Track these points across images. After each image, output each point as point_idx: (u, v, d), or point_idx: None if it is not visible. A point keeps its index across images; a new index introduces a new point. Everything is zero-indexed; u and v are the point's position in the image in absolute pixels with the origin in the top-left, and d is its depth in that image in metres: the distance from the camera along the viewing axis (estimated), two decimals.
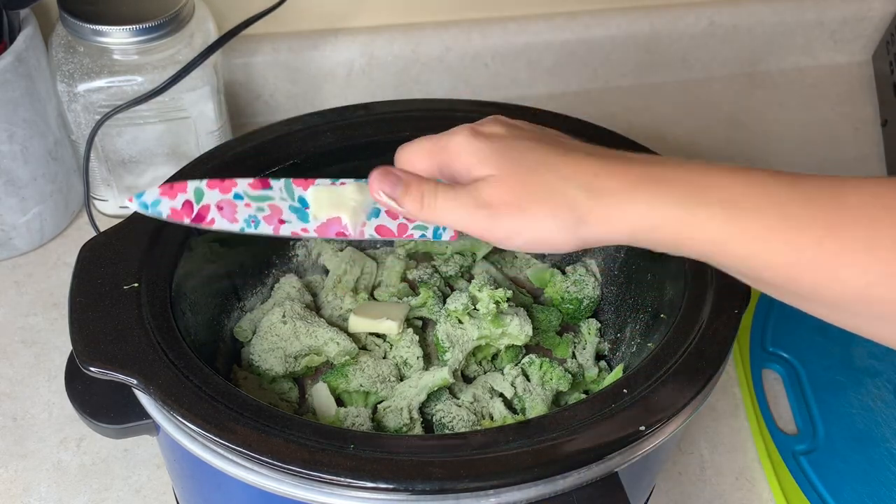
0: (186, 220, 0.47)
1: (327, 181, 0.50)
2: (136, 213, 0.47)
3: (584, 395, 0.60)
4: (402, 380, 0.59)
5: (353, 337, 0.60)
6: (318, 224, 0.49)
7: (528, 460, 0.43)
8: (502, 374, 0.59)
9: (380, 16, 0.90)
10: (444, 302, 0.60)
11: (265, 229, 0.48)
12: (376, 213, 0.50)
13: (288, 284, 0.63)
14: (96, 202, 0.80)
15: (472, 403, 0.57)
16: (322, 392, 0.57)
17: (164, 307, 0.50)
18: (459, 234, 0.50)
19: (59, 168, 0.76)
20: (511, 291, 0.59)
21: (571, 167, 0.44)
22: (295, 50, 0.88)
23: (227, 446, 0.43)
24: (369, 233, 0.50)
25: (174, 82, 0.70)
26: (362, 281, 0.64)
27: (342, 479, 0.42)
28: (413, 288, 0.64)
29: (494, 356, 0.62)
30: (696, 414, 0.48)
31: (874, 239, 0.38)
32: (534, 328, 0.59)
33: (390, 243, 0.67)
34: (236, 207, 0.48)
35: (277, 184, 0.48)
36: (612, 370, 0.61)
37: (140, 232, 0.53)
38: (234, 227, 0.48)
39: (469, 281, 0.65)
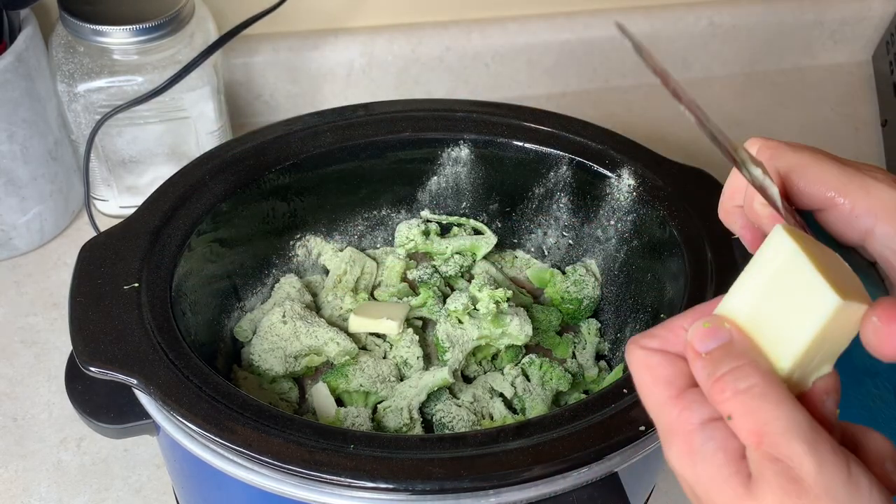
0: None
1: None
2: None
3: (584, 395, 0.60)
4: (402, 380, 0.59)
5: (353, 337, 0.60)
6: None
7: (528, 460, 0.43)
8: (502, 374, 0.59)
9: (380, 16, 0.90)
10: (444, 302, 0.60)
11: None
12: None
13: (288, 284, 0.63)
14: (96, 202, 0.80)
15: (472, 403, 0.57)
16: (322, 392, 0.57)
17: (164, 307, 0.50)
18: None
19: (59, 168, 0.76)
20: (511, 291, 0.59)
21: None
22: (295, 50, 0.88)
23: (227, 446, 0.43)
24: None
25: (174, 82, 0.70)
26: (362, 281, 0.64)
27: (342, 479, 0.42)
28: (413, 288, 0.64)
29: (494, 356, 0.62)
30: None
31: None
32: (534, 328, 0.59)
33: (390, 243, 0.67)
34: None
35: None
36: (612, 370, 0.61)
37: (140, 232, 0.53)
38: None
39: (469, 281, 0.65)
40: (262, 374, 0.58)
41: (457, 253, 0.66)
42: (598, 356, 0.63)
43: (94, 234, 0.59)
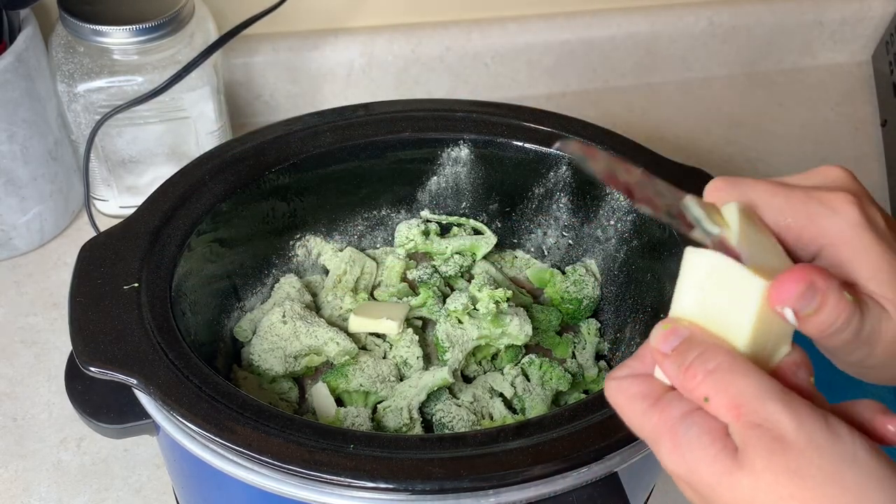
0: None
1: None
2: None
3: (584, 395, 0.60)
4: (402, 380, 0.59)
5: (353, 337, 0.60)
6: None
7: (528, 460, 0.43)
8: (502, 374, 0.59)
9: (380, 16, 0.90)
10: (444, 302, 0.60)
11: None
12: None
13: (288, 284, 0.63)
14: (96, 202, 0.80)
15: (471, 403, 0.57)
16: (322, 392, 0.57)
17: (164, 307, 0.50)
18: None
19: (59, 168, 0.76)
20: (511, 291, 0.59)
21: None
22: (295, 50, 0.88)
23: (227, 446, 0.43)
24: None
25: (174, 82, 0.70)
26: (362, 281, 0.64)
27: (342, 479, 0.42)
28: (413, 288, 0.64)
29: (494, 356, 0.62)
30: None
31: None
32: (534, 328, 0.59)
33: (390, 243, 0.67)
34: None
35: None
36: (611, 370, 0.61)
37: (140, 232, 0.53)
38: None
39: (469, 281, 0.65)
40: (262, 374, 0.58)
41: (457, 253, 0.66)
42: (598, 356, 0.63)
43: (94, 234, 0.59)
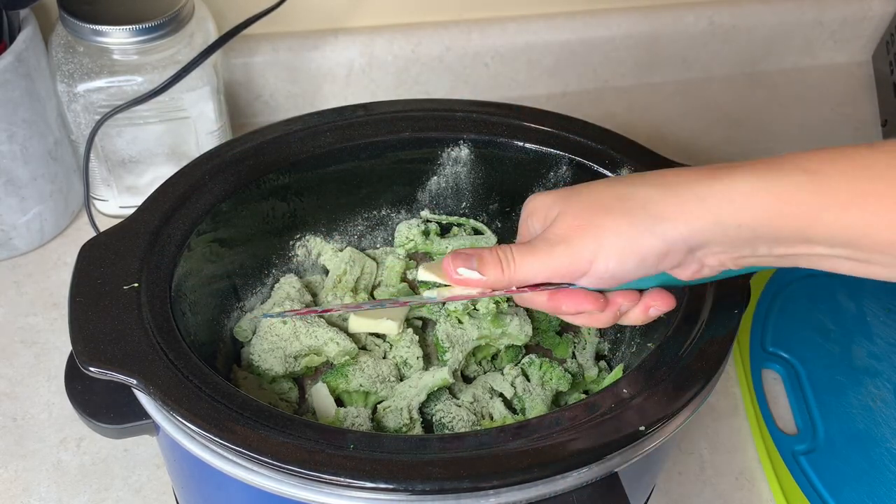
0: None
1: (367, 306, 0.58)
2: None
3: (584, 395, 0.60)
4: (401, 380, 0.59)
5: (353, 337, 0.60)
6: None
7: (528, 460, 0.43)
8: (502, 374, 0.59)
9: (380, 16, 0.90)
10: (444, 302, 0.60)
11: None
12: None
13: (288, 284, 0.63)
14: (96, 202, 0.80)
15: (472, 403, 0.57)
16: (322, 392, 0.57)
17: (164, 307, 0.50)
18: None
19: (59, 168, 0.76)
20: None
21: (635, 177, 0.44)
22: (295, 50, 0.88)
23: (227, 446, 0.43)
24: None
25: (174, 82, 0.70)
26: (362, 281, 0.64)
27: (342, 479, 0.42)
28: (413, 288, 0.64)
29: (494, 356, 0.62)
30: (696, 414, 0.48)
31: None
32: (534, 328, 0.59)
33: (390, 243, 0.67)
34: None
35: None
36: (612, 370, 0.61)
37: (140, 232, 0.53)
38: None
39: None
40: (262, 374, 0.58)
41: None
42: (598, 356, 0.63)
43: (94, 234, 0.59)
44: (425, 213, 0.67)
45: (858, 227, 0.38)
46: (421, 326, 0.62)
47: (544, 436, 0.44)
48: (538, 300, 0.48)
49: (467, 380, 0.60)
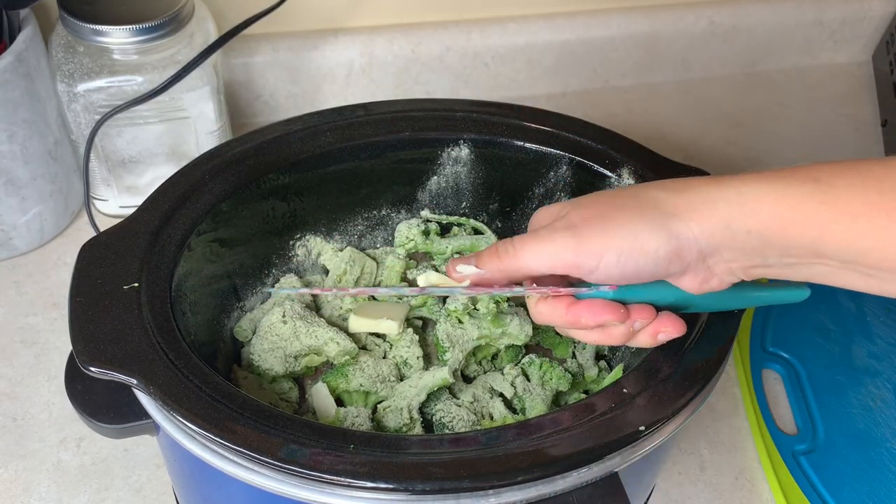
0: None
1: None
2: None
3: (584, 395, 0.60)
4: (402, 380, 0.59)
5: (353, 337, 0.60)
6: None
7: (528, 460, 0.43)
8: (502, 373, 0.59)
9: (380, 16, 0.90)
10: (444, 302, 0.60)
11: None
12: None
13: (288, 284, 0.63)
14: (96, 202, 0.80)
15: (472, 403, 0.57)
16: (322, 392, 0.57)
17: (164, 307, 0.50)
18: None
19: (59, 168, 0.76)
20: None
21: (644, 184, 0.44)
22: (295, 50, 0.88)
23: (227, 446, 0.43)
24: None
25: (174, 82, 0.70)
26: (362, 281, 0.64)
27: (342, 479, 0.42)
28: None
29: (494, 356, 0.62)
30: (696, 414, 0.48)
31: None
32: (534, 328, 0.59)
33: (390, 243, 0.67)
34: None
35: None
36: (612, 370, 0.61)
37: (140, 232, 0.53)
38: None
39: None
40: (262, 374, 0.58)
41: (457, 253, 0.66)
42: (598, 356, 0.63)
43: (94, 234, 0.59)
44: (425, 213, 0.67)
45: (868, 240, 0.38)
46: (421, 326, 0.62)
47: (544, 436, 0.44)
48: (557, 314, 0.47)
49: (467, 380, 0.60)
